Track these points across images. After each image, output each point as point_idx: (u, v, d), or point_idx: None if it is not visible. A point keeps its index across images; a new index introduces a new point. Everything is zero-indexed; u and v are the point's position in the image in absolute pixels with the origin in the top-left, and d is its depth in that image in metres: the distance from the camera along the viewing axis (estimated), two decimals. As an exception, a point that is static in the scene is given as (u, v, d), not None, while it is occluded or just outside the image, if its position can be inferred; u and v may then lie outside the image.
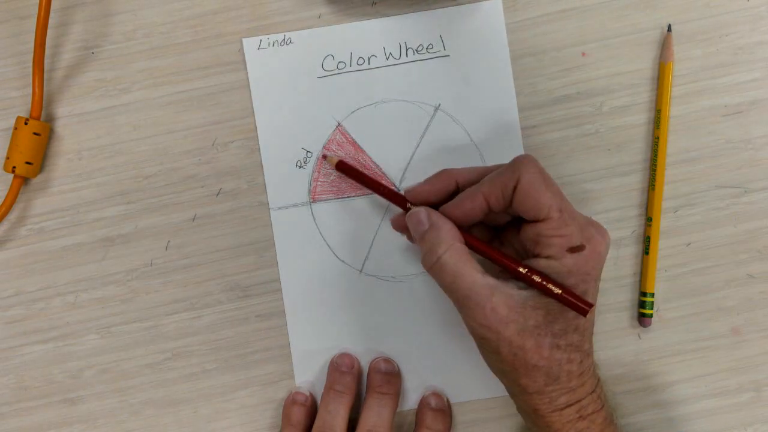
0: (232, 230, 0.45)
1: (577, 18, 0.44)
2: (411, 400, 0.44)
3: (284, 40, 0.44)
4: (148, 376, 0.45)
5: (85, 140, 0.45)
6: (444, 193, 0.40)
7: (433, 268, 0.37)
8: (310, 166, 0.44)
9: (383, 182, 0.42)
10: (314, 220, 0.44)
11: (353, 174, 0.42)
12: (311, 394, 0.44)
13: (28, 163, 0.43)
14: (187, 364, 0.45)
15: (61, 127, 0.45)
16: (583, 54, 0.44)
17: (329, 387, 0.43)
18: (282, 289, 0.44)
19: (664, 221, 0.44)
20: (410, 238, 0.42)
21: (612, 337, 0.44)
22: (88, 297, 0.45)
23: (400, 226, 0.41)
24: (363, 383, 0.44)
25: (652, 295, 0.44)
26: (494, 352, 0.36)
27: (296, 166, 0.44)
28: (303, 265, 0.44)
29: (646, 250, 0.44)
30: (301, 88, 0.44)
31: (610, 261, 0.44)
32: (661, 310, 0.44)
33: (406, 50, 0.44)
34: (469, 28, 0.44)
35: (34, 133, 0.43)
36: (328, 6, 0.44)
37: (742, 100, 0.44)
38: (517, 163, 0.37)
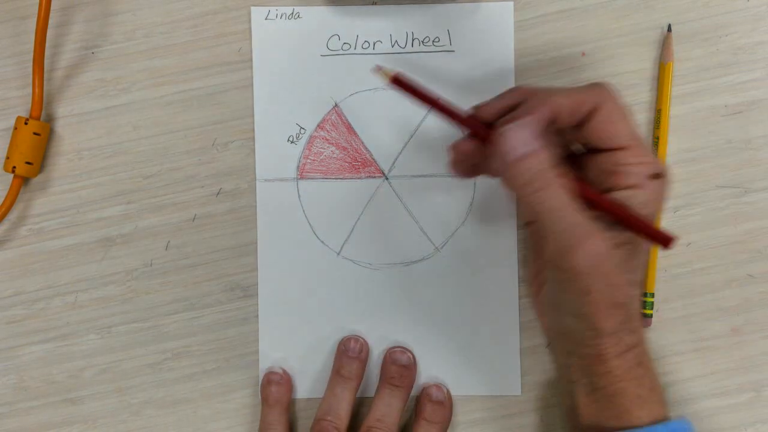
0: (232, 230, 0.45)
1: (577, 18, 0.44)
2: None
3: (293, 13, 0.44)
4: (148, 376, 0.45)
5: (85, 140, 0.45)
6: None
7: (539, 192, 0.34)
8: (302, 143, 0.44)
9: (447, 103, 0.38)
10: (299, 197, 0.44)
11: (411, 90, 0.38)
12: (284, 371, 0.44)
13: (28, 163, 0.43)
14: (187, 364, 0.45)
15: (61, 127, 0.45)
16: (583, 54, 0.44)
17: (336, 371, 0.43)
18: (258, 261, 0.44)
19: (664, 221, 0.44)
20: (473, 170, 0.39)
21: (612, 337, 0.44)
22: (88, 297, 0.45)
23: (464, 153, 0.38)
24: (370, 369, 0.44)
25: (652, 295, 0.44)
26: (584, 292, 0.34)
27: (288, 140, 0.44)
28: (281, 240, 0.44)
29: (646, 250, 0.44)
30: (304, 64, 0.44)
31: (610, 261, 0.44)
32: (661, 310, 0.44)
33: (413, 40, 0.44)
34: (478, 27, 0.44)
35: (34, 133, 0.43)
36: (328, 6, 0.44)
37: (742, 100, 0.44)
38: (599, 87, 0.36)
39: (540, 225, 0.35)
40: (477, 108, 0.38)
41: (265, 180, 0.45)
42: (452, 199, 0.44)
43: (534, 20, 0.44)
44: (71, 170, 0.45)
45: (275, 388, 0.43)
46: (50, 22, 0.43)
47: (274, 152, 0.45)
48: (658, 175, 0.36)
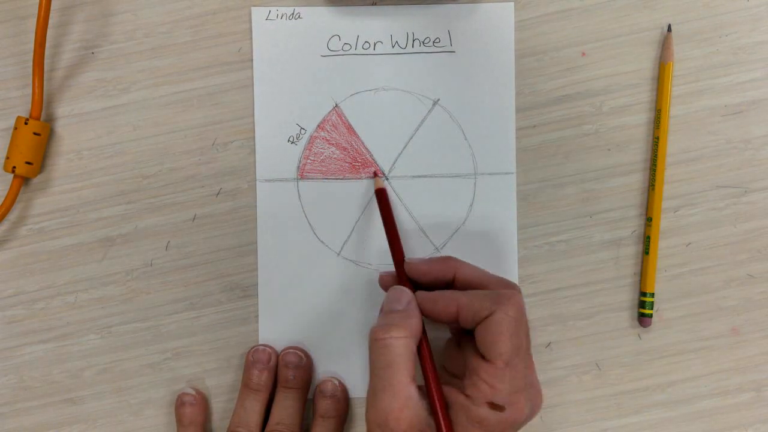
0: (232, 230, 0.45)
1: (577, 18, 0.44)
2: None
3: (293, 13, 0.44)
4: (148, 376, 0.45)
5: (85, 140, 0.45)
6: (439, 279, 0.40)
7: (378, 342, 0.36)
8: (302, 143, 0.44)
9: (397, 240, 0.42)
10: (299, 197, 0.44)
11: (383, 208, 0.43)
12: (197, 391, 0.44)
13: (28, 163, 0.43)
14: (187, 364, 0.45)
15: (61, 127, 0.45)
16: (583, 54, 0.44)
17: (245, 384, 0.43)
18: (258, 262, 0.44)
19: (664, 221, 0.44)
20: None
21: (612, 337, 0.44)
22: (88, 297, 0.45)
23: (386, 286, 0.42)
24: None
25: (652, 295, 0.44)
26: None
27: (288, 141, 0.44)
28: (282, 240, 0.44)
29: (646, 250, 0.44)
30: (304, 65, 0.44)
31: (610, 261, 0.44)
32: (661, 310, 0.44)
33: (413, 41, 0.44)
34: (478, 28, 0.44)
35: (34, 133, 0.43)
36: (329, 7, 0.44)
37: (742, 100, 0.44)
38: (501, 297, 0.37)
39: (370, 368, 0.36)
40: (409, 261, 0.41)
41: (266, 180, 0.45)
42: (452, 199, 0.44)
43: (534, 20, 0.44)
44: (71, 170, 0.45)
45: (189, 409, 0.43)
46: (50, 22, 0.43)
47: (275, 152, 0.45)
48: (497, 407, 0.35)
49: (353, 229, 0.44)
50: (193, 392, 0.44)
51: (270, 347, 0.44)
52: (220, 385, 0.45)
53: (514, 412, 0.35)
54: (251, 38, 0.45)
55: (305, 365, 0.43)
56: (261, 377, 0.43)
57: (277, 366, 0.44)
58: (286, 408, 0.42)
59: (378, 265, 0.44)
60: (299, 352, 0.43)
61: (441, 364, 0.40)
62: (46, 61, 0.43)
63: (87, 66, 0.45)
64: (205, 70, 0.45)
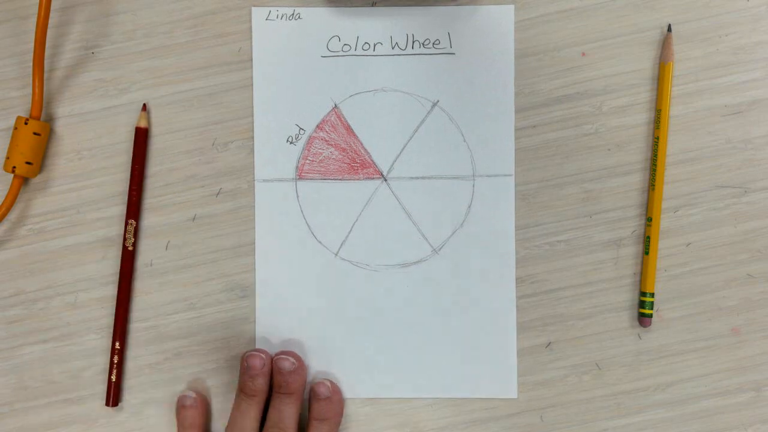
0: (232, 230, 0.45)
1: (577, 18, 0.44)
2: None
3: (293, 14, 0.44)
4: (148, 376, 0.45)
5: (85, 140, 0.45)
6: None
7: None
8: (301, 143, 0.45)
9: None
10: (297, 197, 0.44)
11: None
12: (198, 394, 0.44)
13: (28, 163, 0.43)
14: (187, 364, 0.45)
15: (61, 127, 0.45)
16: (583, 54, 0.44)
17: (240, 389, 0.43)
18: (255, 261, 0.44)
19: (664, 221, 0.44)
20: None
21: (612, 337, 0.44)
22: (88, 297, 0.45)
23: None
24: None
25: (652, 295, 0.44)
26: None
27: (287, 141, 0.44)
28: (280, 241, 0.44)
29: (646, 250, 0.44)
30: (304, 65, 0.44)
31: (610, 261, 0.44)
32: (661, 310, 0.44)
33: (413, 42, 0.44)
34: (478, 30, 0.44)
35: (34, 133, 0.43)
36: (329, 7, 0.44)
37: (742, 100, 0.44)
38: None
39: None
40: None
41: (264, 180, 0.45)
42: (450, 201, 0.44)
43: (534, 20, 0.44)
44: (71, 170, 0.45)
45: (190, 412, 0.43)
46: (50, 22, 0.43)
47: (273, 153, 0.45)
48: None
49: (351, 230, 0.44)
50: (194, 395, 0.44)
51: (264, 352, 0.43)
52: (220, 385, 0.45)
53: None
54: (251, 38, 0.45)
55: (298, 370, 0.43)
56: (255, 382, 0.43)
57: (271, 370, 0.43)
58: (280, 412, 0.42)
59: (376, 266, 0.44)
60: (291, 358, 0.43)
61: None
62: (46, 61, 0.43)
63: (87, 66, 0.45)
64: (205, 70, 0.45)
